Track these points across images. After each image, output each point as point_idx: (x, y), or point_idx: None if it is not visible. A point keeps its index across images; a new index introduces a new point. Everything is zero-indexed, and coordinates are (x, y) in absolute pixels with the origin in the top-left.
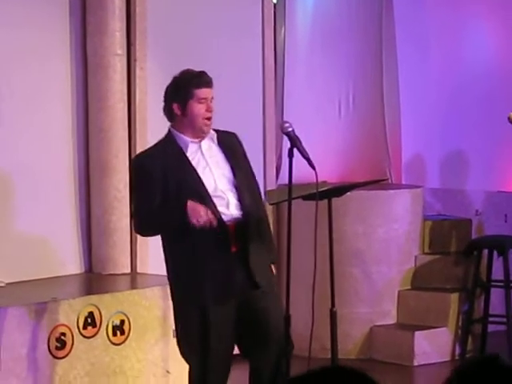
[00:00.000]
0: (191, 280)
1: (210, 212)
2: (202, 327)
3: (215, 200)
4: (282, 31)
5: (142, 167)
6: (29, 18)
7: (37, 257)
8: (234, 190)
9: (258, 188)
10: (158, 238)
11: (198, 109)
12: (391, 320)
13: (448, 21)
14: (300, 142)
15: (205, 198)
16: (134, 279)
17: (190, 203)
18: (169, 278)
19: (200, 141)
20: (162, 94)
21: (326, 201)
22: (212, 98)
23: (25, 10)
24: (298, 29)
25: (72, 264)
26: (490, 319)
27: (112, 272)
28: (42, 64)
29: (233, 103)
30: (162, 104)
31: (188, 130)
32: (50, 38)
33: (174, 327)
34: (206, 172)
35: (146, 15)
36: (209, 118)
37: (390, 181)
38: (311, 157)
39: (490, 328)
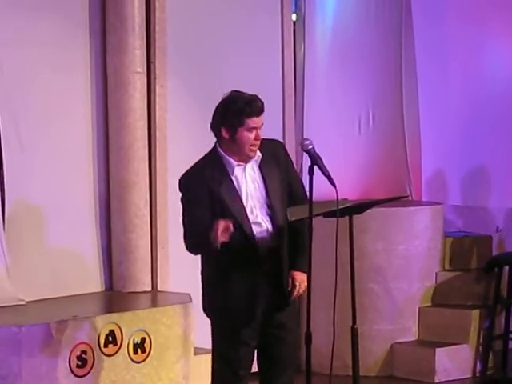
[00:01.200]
0: (221, 295)
1: (230, 224)
2: (231, 340)
3: (253, 226)
4: (302, 48)
5: (186, 189)
6: (50, 37)
7: (57, 275)
8: (270, 214)
9: (302, 197)
10: (178, 256)
11: (248, 137)
12: (412, 337)
13: (467, 37)
14: (320, 160)
15: (245, 222)
16: (155, 297)
17: (216, 223)
18: (203, 288)
19: (246, 164)
20: (182, 111)
21: (346, 218)
22: (262, 124)
23: (46, 29)
24: (318, 46)
25: (93, 282)
26: (511, 336)
27: (133, 290)
28: (62, 82)
29: None
30: (210, 120)
31: (234, 154)
32: (70, 56)
33: (194, 345)
34: (249, 198)
35: (165, 33)
36: (255, 145)
37: (410, 198)
38: (331, 174)
39: (511, 344)
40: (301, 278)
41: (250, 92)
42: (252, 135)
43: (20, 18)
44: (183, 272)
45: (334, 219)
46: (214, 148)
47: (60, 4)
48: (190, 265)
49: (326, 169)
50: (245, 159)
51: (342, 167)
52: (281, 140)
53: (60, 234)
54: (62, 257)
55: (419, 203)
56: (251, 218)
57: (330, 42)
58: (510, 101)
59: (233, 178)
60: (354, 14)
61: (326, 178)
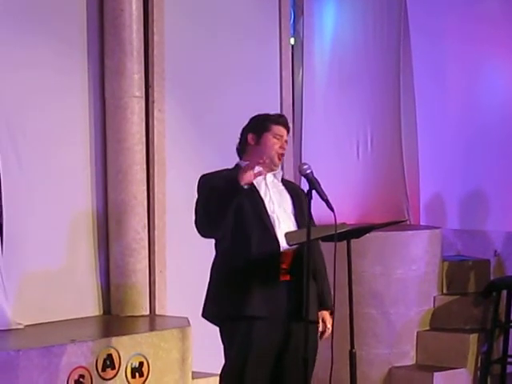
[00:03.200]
0: (236, 291)
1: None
2: (244, 344)
3: (277, 232)
4: (300, 72)
5: (206, 182)
6: (48, 60)
7: (55, 299)
8: (294, 226)
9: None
10: (177, 280)
11: (273, 142)
12: (410, 361)
13: (466, 59)
14: (319, 184)
15: (268, 227)
16: (153, 321)
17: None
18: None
19: (266, 173)
20: (180, 135)
21: (344, 242)
22: (286, 140)
23: (44, 52)
24: (316, 70)
25: (91, 306)
26: (509, 360)
27: (131, 314)
28: (60, 106)
29: None
30: (237, 140)
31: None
32: (68, 80)
33: (192, 369)
34: (267, 198)
35: (163, 57)
36: (282, 154)
37: (408, 222)
38: (330, 198)
39: (509, 369)
40: (330, 321)
41: (249, 117)
42: (277, 142)
43: (18, 42)
44: (181, 296)
45: (332, 243)
46: (236, 164)
47: (58, 28)
48: (188, 288)
49: (324, 193)
50: (266, 168)
51: (340, 191)
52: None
53: (58, 257)
54: (60, 280)
55: (417, 227)
56: (269, 211)
57: (329, 66)
58: (507, 124)
59: (254, 182)
60: (352, 37)
61: (324, 203)
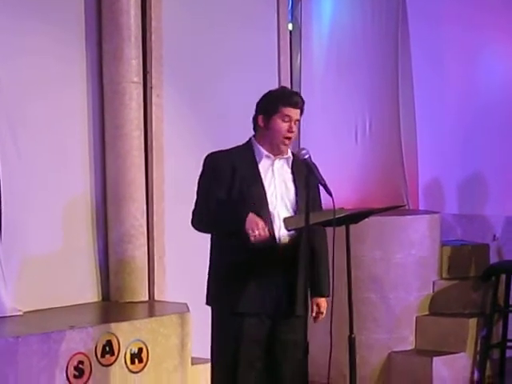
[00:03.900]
0: (230, 286)
1: (267, 229)
2: (235, 336)
3: (271, 217)
4: (298, 58)
5: (211, 164)
6: (45, 46)
7: (54, 285)
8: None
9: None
10: (176, 266)
11: (280, 126)
12: (409, 346)
13: (465, 44)
14: (317, 169)
15: (264, 211)
16: (152, 307)
17: (251, 215)
18: (208, 281)
19: (275, 158)
20: (178, 120)
21: (343, 227)
22: (297, 120)
23: (41, 38)
24: (314, 55)
25: (89, 292)
26: (509, 344)
27: (129, 300)
28: (58, 92)
29: (249, 131)
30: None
31: (266, 143)
32: (65, 66)
33: (192, 355)
34: (271, 189)
35: (161, 43)
36: (288, 138)
37: (407, 206)
38: (328, 183)
39: (509, 353)
40: (324, 305)
41: (247, 102)
42: (285, 125)
43: (14, 28)
44: (180, 282)
45: (331, 228)
46: (249, 139)
47: (55, 13)
48: (187, 275)
49: (322, 178)
50: (275, 152)
51: (339, 176)
52: None
53: (57, 243)
54: (59, 267)
55: (416, 212)
56: (270, 207)
57: (327, 52)
58: (506, 109)
59: (260, 166)
60: (350, 22)
61: (322, 187)
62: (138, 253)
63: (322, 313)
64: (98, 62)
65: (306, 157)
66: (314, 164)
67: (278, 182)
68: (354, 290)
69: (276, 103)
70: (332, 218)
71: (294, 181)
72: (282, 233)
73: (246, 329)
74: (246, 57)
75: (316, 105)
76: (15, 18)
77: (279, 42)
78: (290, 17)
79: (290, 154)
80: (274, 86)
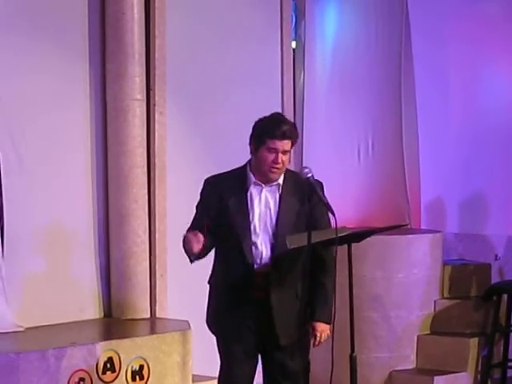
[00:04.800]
0: (214, 308)
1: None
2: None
3: (253, 247)
4: (301, 76)
5: (204, 190)
6: (49, 64)
7: (55, 301)
8: (272, 242)
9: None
10: (177, 283)
11: (266, 157)
12: (410, 365)
13: (468, 64)
14: (322, 188)
15: (247, 240)
16: (154, 324)
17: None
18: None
19: (265, 185)
20: (181, 138)
21: (345, 246)
22: (285, 150)
23: (45, 56)
24: (317, 74)
25: (91, 309)
26: (510, 364)
27: (131, 317)
28: (61, 109)
29: None
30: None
31: (257, 172)
32: (69, 83)
33: (193, 372)
34: (256, 218)
35: (165, 60)
36: (275, 168)
37: (409, 226)
38: (330, 202)
39: (510, 373)
40: (322, 329)
41: (250, 121)
42: (271, 156)
43: (18, 47)
44: (182, 299)
45: (333, 247)
46: (245, 164)
47: (59, 32)
48: (188, 292)
49: (324, 197)
50: (264, 179)
51: (341, 195)
52: None
53: (59, 260)
54: (61, 283)
55: (418, 231)
56: (253, 237)
57: (330, 70)
58: (508, 128)
59: (248, 194)
60: (353, 41)
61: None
62: (140, 269)
63: (315, 336)
64: (102, 79)
65: (309, 176)
66: (318, 182)
67: (263, 210)
68: (355, 309)
69: (262, 135)
70: (334, 236)
71: (279, 207)
72: (263, 260)
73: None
74: (250, 75)
75: (319, 123)
76: (19, 36)
77: (282, 60)
78: (293, 35)
79: (280, 180)
80: (277, 104)
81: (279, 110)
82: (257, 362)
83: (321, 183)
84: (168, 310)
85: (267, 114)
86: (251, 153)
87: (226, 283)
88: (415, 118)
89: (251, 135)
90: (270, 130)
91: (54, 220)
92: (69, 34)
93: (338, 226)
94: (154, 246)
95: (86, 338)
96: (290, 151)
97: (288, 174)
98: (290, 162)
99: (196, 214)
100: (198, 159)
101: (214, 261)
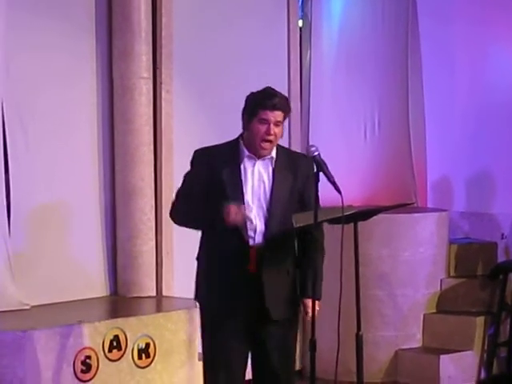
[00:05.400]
0: (205, 286)
1: (242, 211)
2: (211, 339)
3: (247, 221)
4: (308, 55)
5: (194, 161)
6: (56, 42)
7: (62, 279)
8: (266, 217)
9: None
10: (184, 261)
11: (258, 129)
12: (416, 343)
13: (474, 41)
14: (326, 166)
15: (239, 227)
16: (160, 302)
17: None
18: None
19: (257, 159)
20: (188, 116)
21: (351, 224)
22: (278, 121)
23: (51, 34)
24: (324, 52)
25: (97, 287)
26: None
27: (137, 295)
28: (68, 87)
29: None
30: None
31: (250, 145)
32: (76, 61)
33: (199, 350)
34: (249, 191)
35: (171, 39)
36: (267, 140)
37: (415, 204)
38: (337, 180)
39: None
40: (311, 305)
41: None
42: (263, 128)
43: (26, 23)
44: (188, 277)
45: (339, 225)
46: (237, 137)
47: (66, 9)
48: (194, 270)
49: (331, 175)
50: (257, 153)
51: (348, 173)
52: (287, 146)
53: (65, 238)
54: (67, 261)
55: (424, 210)
56: (246, 210)
57: (336, 48)
58: None
59: (241, 167)
60: (360, 20)
61: (331, 185)
62: (146, 248)
63: (307, 312)
64: (108, 57)
65: (315, 154)
66: (323, 161)
67: (256, 184)
68: (361, 288)
69: (254, 106)
70: (341, 215)
71: (273, 181)
72: (257, 235)
73: (219, 333)
74: (256, 53)
75: (325, 101)
76: (26, 13)
77: (289, 38)
78: (300, 13)
79: (273, 154)
80: (284, 82)
81: (285, 89)
82: (249, 342)
83: (324, 162)
84: (174, 288)
85: None
86: (243, 127)
87: (221, 258)
88: (421, 97)
89: (243, 108)
90: (262, 102)
91: (60, 198)
92: (75, 11)
93: (345, 204)
94: (160, 224)
95: (92, 316)
96: (282, 123)
97: (280, 149)
98: (282, 135)
99: (189, 187)
100: (204, 137)
101: (203, 236)
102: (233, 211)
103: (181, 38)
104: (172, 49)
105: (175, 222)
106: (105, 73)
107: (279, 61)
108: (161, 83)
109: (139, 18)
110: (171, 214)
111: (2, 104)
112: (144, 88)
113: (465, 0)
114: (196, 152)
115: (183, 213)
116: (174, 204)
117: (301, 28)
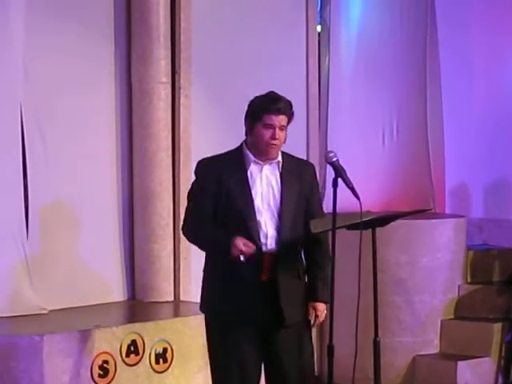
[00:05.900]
0: (217, 295)
1: (249, 246)
2: (223, 345)
3: (258, 227)
4: (326, 60)
5: (199, 172)
6: (75, 46)
7: (80, 284)
8: (277, 222)
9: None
10: (201, 266)
11: (263, 134)
12: (434, 349)
13: (492, 48)
14: (345, 172)
15: (251, 221)
16: (177, 307)
17: (235, 240)
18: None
19: (264, 163)
20: (206, 122)
21: (369, 230)
22: (282, 126)
23: (70, 38)
24: (342, 58)
25: (115, 291)
26: None
27: (155, 300)
28: (86, 91)
29: None
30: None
31: (254, 150)
32: (95, 66)
33: None
34: (258, 197)
35: (190, 43)
36: (273, 145)
37: (433, 210)
38: (355, 186)
39: None
40: (322, 309)
41: None
42: (268, 133)
43: (44, 27)
44: None
45: (358, 231)
46: (240, 144)
47: (84, 13)
48: None
49: (349, 181)
50: (263, 158)
51: (366, 179)
52: (305, 152)
53: (83, 243)
54: (85, 266)
55: (442, 216)
56: (257, 215)
57: (355, 54)
58: None
59: (248, 173)
60: (378, 25)
61: (349, 191)
62: (164, 252)
63: (317, 316)
64: (127, 62)
65: (334, 159)
66: (341, 167)
67: (265, 189)
68: (379, 294)
69: (258, 111)
70: (359, 221)
71: (282, 186)
72: (269, 240)
73: (231, 339)
74: (275, 58)
75: (343, 107)
76: (45, 17)
77: (308, 43)
78: (318, 19)
79: (279, 158)
80: (302, 87)
81: (304, 94)
82: (263, 348)
83: (343, 168)
84: (192, 293)
85: (292, 97)
86: (246, 132)
87: (233, 266)
88: (440, 103)
89: (246, 113)
90: (266, 106)
91: (78, 203)
92: (94, 15)
93: (363, 210)
94: (178, 229)
95: (110, 321)
96: (286, 128)
97: (285, 155)
98: (286, 139)
99: (194, 196)
100: (222, 142)
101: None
102: (240, 243)
103: (199, 42)
104: (191, 53)
105: (188, 241)
106: (123, 77)
107: (298, 66)
108: (179, 88)
109: (158, 23)
110: (183, 232)
111: (21, 108)
112: (163, 93)
113: (483, 7)
114: (200, 162)
115: (194, 239)
116: (185, 221)
117: (319, 33)
